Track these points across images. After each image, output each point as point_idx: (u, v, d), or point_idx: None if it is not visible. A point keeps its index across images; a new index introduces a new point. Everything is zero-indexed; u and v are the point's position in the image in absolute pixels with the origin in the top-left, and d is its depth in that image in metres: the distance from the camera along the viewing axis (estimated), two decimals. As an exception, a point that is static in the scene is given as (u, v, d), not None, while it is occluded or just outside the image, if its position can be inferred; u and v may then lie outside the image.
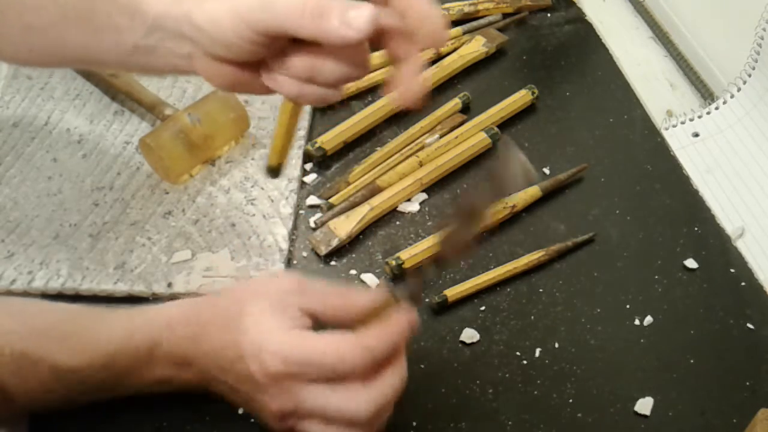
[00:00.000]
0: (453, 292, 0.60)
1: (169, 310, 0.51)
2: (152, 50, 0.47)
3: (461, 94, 0.75)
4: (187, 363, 0.49)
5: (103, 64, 0.52)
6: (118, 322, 0.50)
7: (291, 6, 0.40)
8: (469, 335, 0.59)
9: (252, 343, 0.47)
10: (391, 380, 0.47)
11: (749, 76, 0.73)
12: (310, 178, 0.69)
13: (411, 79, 0.46)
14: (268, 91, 0.46)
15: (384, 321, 0.48)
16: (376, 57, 0.78)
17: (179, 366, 0.50)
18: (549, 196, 0.68)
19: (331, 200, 0.67)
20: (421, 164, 0.69)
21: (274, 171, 0.55)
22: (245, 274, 0.61)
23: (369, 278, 0.62)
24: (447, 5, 0.84)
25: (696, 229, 0.66)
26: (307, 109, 0.73)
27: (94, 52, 0.48)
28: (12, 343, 0.47)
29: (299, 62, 0.43)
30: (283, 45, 0.43)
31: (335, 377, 0.46)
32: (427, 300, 0.61)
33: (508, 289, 0.62)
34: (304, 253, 0.64)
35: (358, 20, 0.40)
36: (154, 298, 0.60)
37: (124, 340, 0.49)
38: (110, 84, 0.73)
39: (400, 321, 0.48)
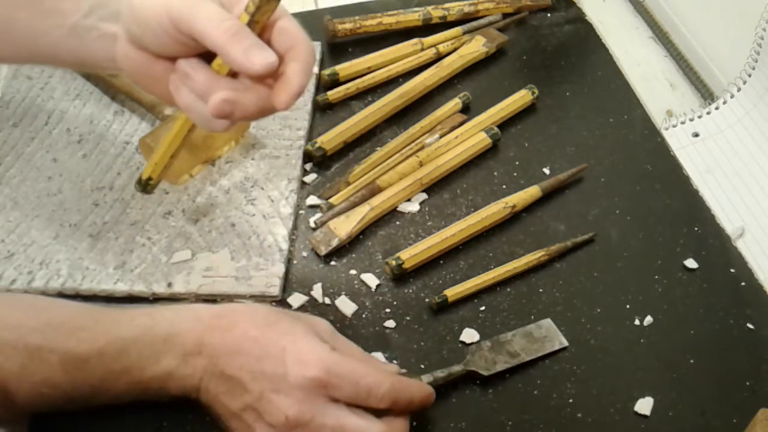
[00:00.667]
0: (453, 292, 0.60)
1: (201, 307, 0.52)
2: (87, 31, 0.49)
3: (461, 94, 0.75)
4: (197, 350, 0.49)
5: (39, 52, 0.52)
6: (141, 312, 0.51)
7: (213, 15, 0.44)
8: (469, 335, 0.59)
9: (295, 344, 0.48)
10: (400, 426, 0.50)
11: (749, 76, 0.73)
12: (310, 178, 0.69)
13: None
14: (169, 95, 0.48)
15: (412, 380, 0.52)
16: (377, 56, 0.78)
17: (187, 355, 0.49)
18: (549, 196, 0.68)
19: (331, 200, 0.67)
20: (421, 164, 0.69)
21: (144, 186, 0.56)
22: (245, 274, 0.61)
23: (369, 278, 0.62)
24: (447, 5, 0.84)
25: (696, 229, 0.66)
26: (307, 109, 0.74)
27: (37, 33, 0.50)
28: (25, 336, 0.48)
29: (201, 77, 0.46)
30: (197, 54, 0.47)
31: (361, 402, 0.48)
32: (427, 300, 0.61)
33: (508, 289, 0.62)
34: (304, 253, 0.64)
35: (258, 58, 0.44)
36: (154, 298, 0.60)
37: (146, 327, 0.49)
38: (110, 84, 0.73)
39: (425, 387, 0.52)
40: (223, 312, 0.51)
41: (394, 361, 0.57)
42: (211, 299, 0.60)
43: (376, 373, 0.49)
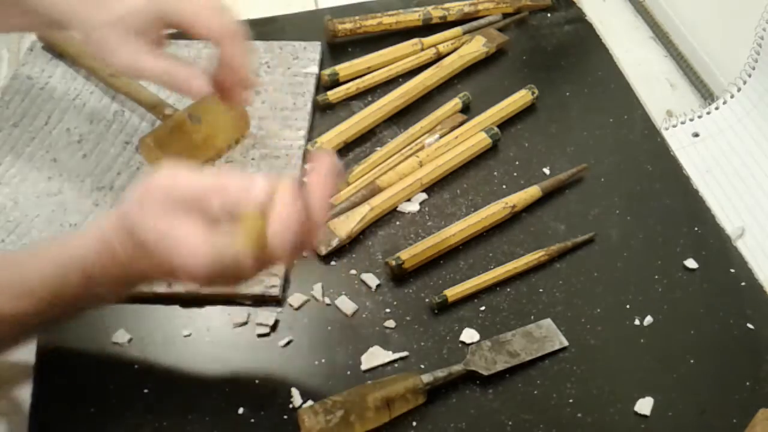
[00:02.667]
0: (453, 292, 0.60)
1: (94, 233, 0.47)
2: None
3: (461, 94, 0.75)
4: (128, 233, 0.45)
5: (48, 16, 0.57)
6: (46, 265, 0.48)
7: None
8: (469, 335, 0.59)
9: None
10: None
11: (749, 76, 0.73)
12: (310, 178, 0.69)
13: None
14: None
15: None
16: (377, 56, 0.78)
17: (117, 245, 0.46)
18: (549, 196, 0.68)
19: (331, 200, 0.67)
20: (421, 164, 0.69)
21: None
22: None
23: (369, 278, 0.62)
24: (447, 5, 0.84)
25: (696, 229, 0.66)
26: (307, 109, 0.74)
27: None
28: None
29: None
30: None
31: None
32: (427, 300, 0.61)
33: (508, 289, 0.62)
34: (304, 253, 0.64)
35: (197, 82, 0.57)
36: (155, 298, 0.60)
37: (57, 283, 0.47)
38: (110, 84, 0.73)
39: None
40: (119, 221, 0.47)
41: (395, 364, 0.57)
42: (210, 299, 0.60)
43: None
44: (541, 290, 0.62)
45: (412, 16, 0.82)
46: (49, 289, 0.47)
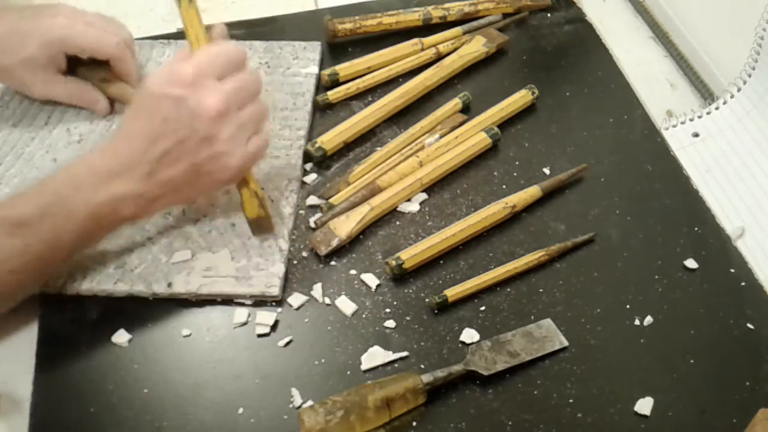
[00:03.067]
0: (453, 292, 0.60)
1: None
2: None
3: (461, 94, 0.75)
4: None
5: None
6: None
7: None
8: (469, 335, 0.59)
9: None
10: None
11: (749, 76, 0.73)
12: (310, 178, 0.69)
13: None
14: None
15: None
16: (377, 56, 0.78)
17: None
18: (549, 196, 0.68)
19: (331, 200, 0.67)
20: (421, 164, 0.69)
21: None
22: (245, 274, 0.61)
23: (369, 278, 0.62)
24: (447, 5, 0.84)
25: (696, 229, 0.66)
26: (307, 109, 0.74)
27: None
28: None
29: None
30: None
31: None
32: (427, 300, 0.61)
33: (508, 289, 0.62)
34: (304, 253, 0.64)
35: (99, 105, 0.72)
36: (155, 299, 0.60)
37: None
38: (102, 90, 0.72)
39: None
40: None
41: (395, 364, 0.57)
42: (210, 299, 0.60)
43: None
44: (541, 290, 0.62)
45: (412, 16, 0.82)
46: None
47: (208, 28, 0.60)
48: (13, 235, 0.53)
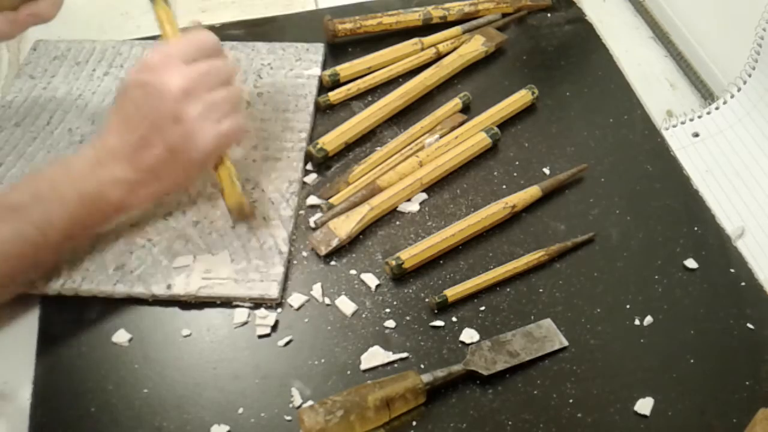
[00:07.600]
0: (453, 292, 0.60)
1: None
2: None
3: (461, 94, 0.75)
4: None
5: None
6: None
7: None
8: (469, 335, 0.59)
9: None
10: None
11: (749, 76, 0.73)
12: (311, 178, 0.69)
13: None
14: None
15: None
16: (377, 57, 0.78)
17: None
18: (549, 196, 0.68)
19: (331, 200, 0.67)
20: (421, 164, 0.69)
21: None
22: (245, 276, 0.61)
23: (369, 278, 0.62)
24: (447, 5, 0.84)
25: (696, 229, 0.66)
26: (309, 111, 0.74)
27: None
28: None
29: None
30: None
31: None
32: (427, 300, 0.61)
33: (508, 289, 0.62)
34: (304, 254, 0.64)
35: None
36: (154, 300, 0.60)
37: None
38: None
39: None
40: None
41: (395, 364, 0.57)
42: (210, 301, 0.60)
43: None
44: (541, 290, 0.62)
45: (412, 16, 0.82)
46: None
47: (184, 30, 0.62)
48: (4, 220, 0.54)
